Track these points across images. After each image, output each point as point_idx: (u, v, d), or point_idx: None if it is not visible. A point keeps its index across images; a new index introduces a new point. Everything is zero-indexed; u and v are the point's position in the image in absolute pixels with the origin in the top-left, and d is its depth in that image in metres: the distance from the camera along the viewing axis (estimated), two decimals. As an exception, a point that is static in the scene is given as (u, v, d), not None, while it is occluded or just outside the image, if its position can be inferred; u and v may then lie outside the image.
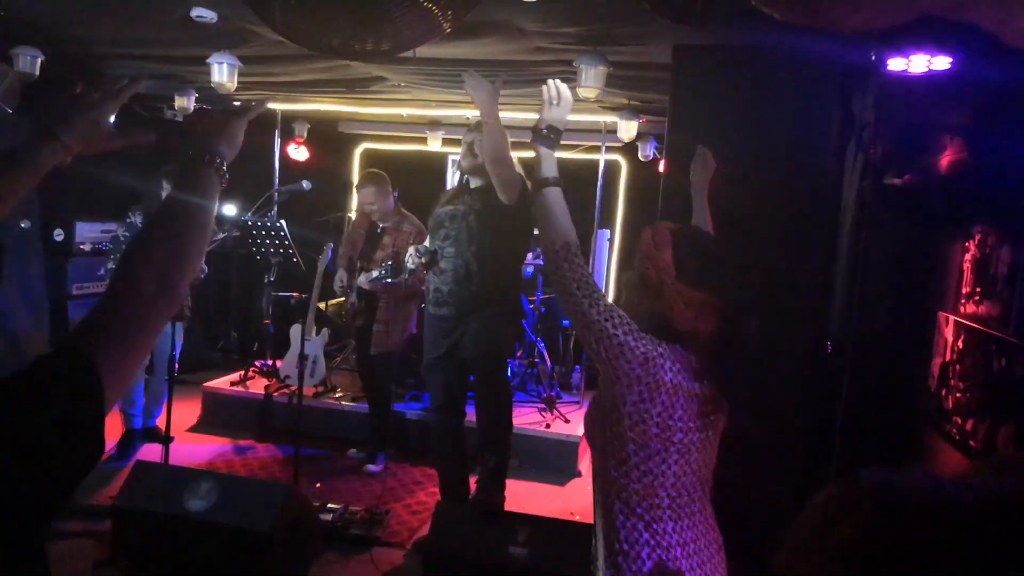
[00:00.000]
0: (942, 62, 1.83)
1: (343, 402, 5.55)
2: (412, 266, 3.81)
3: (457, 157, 8.52)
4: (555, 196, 1.78)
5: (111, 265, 4.70)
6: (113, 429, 4.82)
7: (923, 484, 0.42)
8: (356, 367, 5.11)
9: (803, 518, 0.44)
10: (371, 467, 4.84)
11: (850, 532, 0.41)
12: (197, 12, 3.30)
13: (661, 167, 4.45)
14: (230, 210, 5.48)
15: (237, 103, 4.55)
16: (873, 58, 1.97)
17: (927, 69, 1.91)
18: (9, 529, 0.78)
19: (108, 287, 1.01)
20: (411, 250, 3.83)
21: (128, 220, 4.64)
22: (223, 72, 4.16)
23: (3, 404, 0.80)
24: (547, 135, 1.87)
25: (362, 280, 4.56)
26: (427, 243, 3.88)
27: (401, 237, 4.71)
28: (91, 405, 0.86)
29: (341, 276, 4.75)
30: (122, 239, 4.60)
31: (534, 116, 6.29)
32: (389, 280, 4.15)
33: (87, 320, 0.95)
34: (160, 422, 4.73)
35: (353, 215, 6.96)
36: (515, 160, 3.52)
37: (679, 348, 1.67)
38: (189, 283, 1.05)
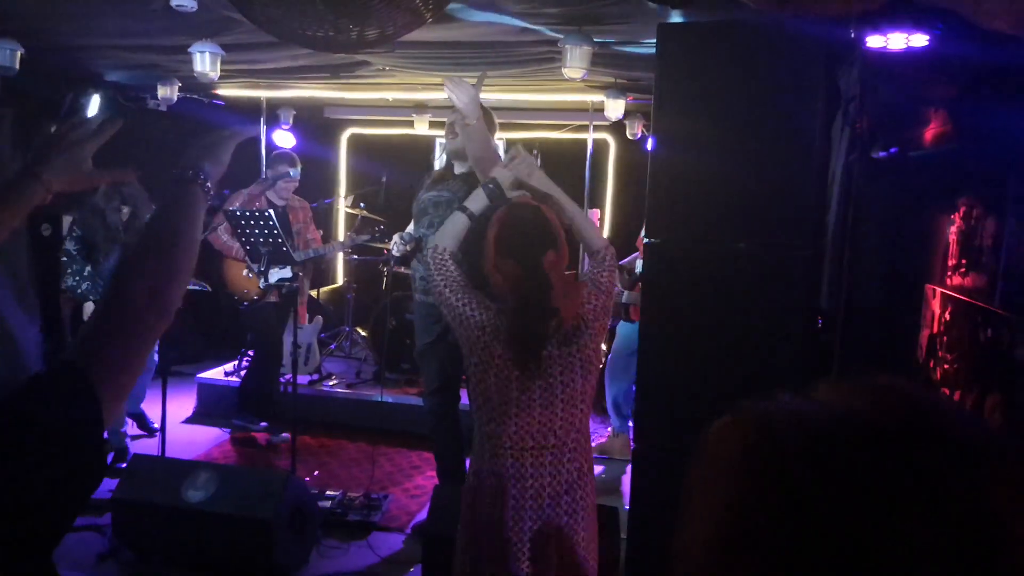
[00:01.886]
0: (920, 40, 1.84)
1: (338, 389, 5.57)
2: (397, 253, 3.82)
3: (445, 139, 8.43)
4: (460, 221, 2.24)
5: (71, 282, 4.48)
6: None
7: (791, 407, 0.50)
8: (268, 345, 5.20)
9: (701, 443, 0.53)
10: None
11: (733, 451, 0.50)
12: (177, 1, 3.26)
13: (649, 145, 4.45)
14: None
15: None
16: (853, 35, 1.98)
17: (906, 47, 1.92)
18: (15, 553, 0.79)
19: (101, 304, 1.02)
20: (396, 237, 3.84)
21: (74, 234, 4.55)
22: (205, 61, 4.12)
23: (3, 427, 0.81)
24: (490, 186, 2.30)
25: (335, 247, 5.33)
26: (411, 229, 3.87)
27: (300, 214, 5.19)
28: (90, 425, 0.87)
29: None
30: (73, 252, 4.53)
31: (520, 97, 6.23)
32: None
33: (81, 338, 0.96)
34: (154, 416, 4.73)
35: (343, 201, 6.94)
36: (500, 150, 3.51)
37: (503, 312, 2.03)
38: (180, 296, 1.05)
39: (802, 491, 0.45)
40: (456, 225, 2.25)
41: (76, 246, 4.52)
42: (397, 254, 3.86)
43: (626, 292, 4.63)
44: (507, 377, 2.01)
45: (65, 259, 4.52)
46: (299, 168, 5.12)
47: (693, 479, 0.52)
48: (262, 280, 4.62)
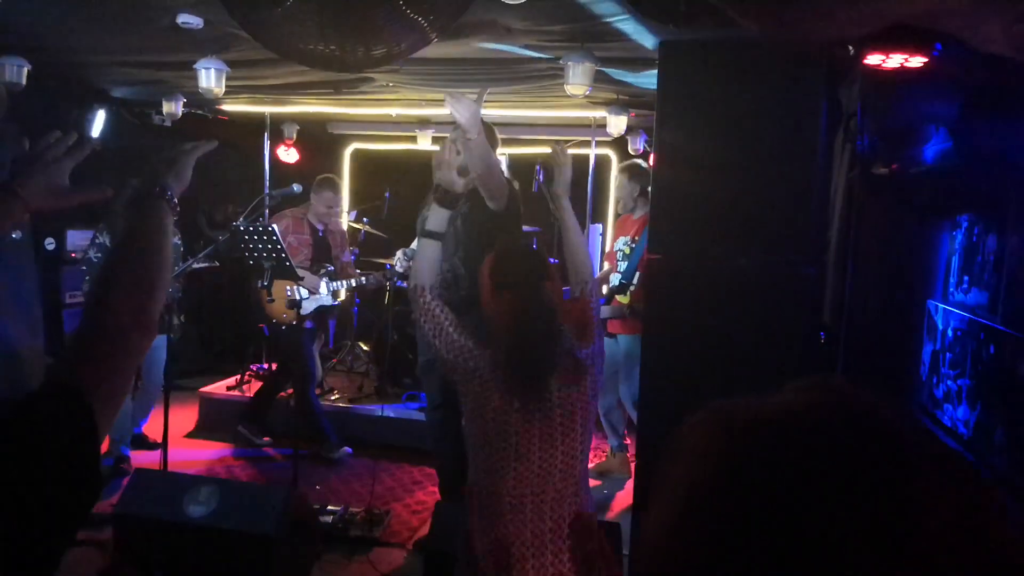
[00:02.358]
0: (918, 61, 1.86)
1: (339, 403, 5.56)
2: (400, 269, 3.84)
3: (447, 155, 8.30)
4: (429, 248, 2.18)
5: (88, 289, 4.49)
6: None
7: (751, 404, 0.56)
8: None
9: (673, 437, 0.59)
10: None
11: (697, 441, 0.56)
12: (183, 19, 3.29)
13: (651, 160, 4.47)
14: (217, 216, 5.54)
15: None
16: (852, 52, 2.00)
17: (903, 67, 1.93)
18: (16, 573, 0.79)
19: (84, 319, 1.01)
20: (399, 253, 3.85)
21: (97, 240, 4.53)
22: (211, 77, 4.16)
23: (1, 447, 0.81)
24: (440, 196, 2.23)
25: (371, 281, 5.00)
26: (414, 246, 3.88)
27: (337, 238, 5.16)
28: (87, 440, 0.87)
29: (316, 284, 4.88)
30: (95, 260, 4.52)
31: (523, 112, 6.24)
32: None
33: (69, 353, 0.97)
34: (156, 430, 4.72)
35: (346, 217, 6.95)
36: (502, 164, 3.52)
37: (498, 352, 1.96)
38: (160, 310, 1.06)
39: (748, 474, 0.51)
40: (426, 254, 2.18)
41: (99, 254, 4.51)
42: (400, 270, 3.87)
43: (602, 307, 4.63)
44: (505, 422, 1.94)
45: (85, 267, 4.52)
46: (336, 194, 5.07)
47: (663, 467, 0.58)
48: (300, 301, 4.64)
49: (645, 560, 0.56)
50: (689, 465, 0.55)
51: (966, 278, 2.50)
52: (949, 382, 2.58)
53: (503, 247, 2.13)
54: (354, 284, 5.05)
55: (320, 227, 5.07)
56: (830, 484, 0.48)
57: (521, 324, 1.95)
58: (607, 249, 4.87)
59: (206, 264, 4.86)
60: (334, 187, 5.08)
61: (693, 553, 0.51)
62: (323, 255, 5.03)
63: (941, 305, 2.70)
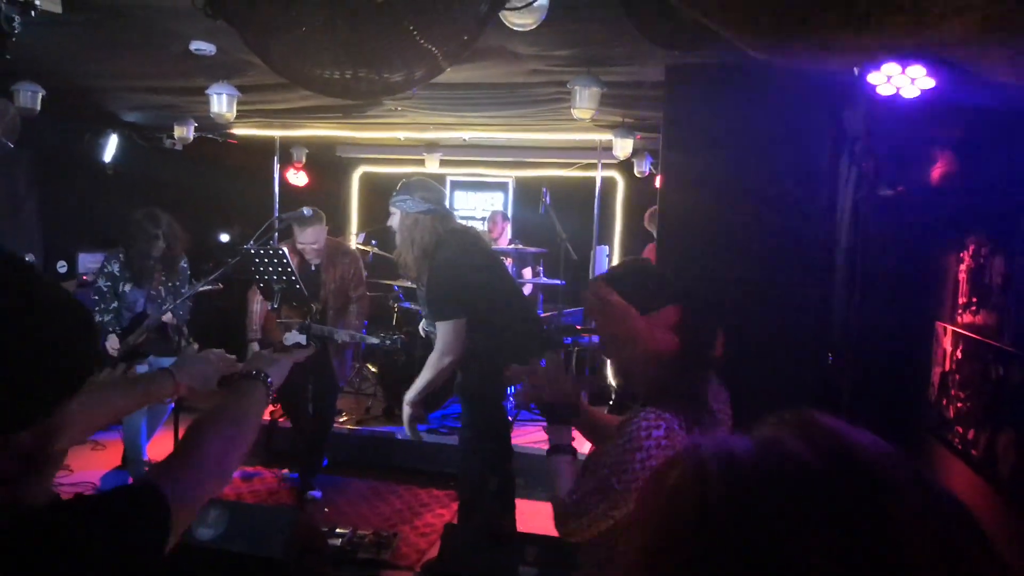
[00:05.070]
0: (926, 82, 1.88)
1: (347, 426, 5.57)
2: (424, 336, 3.82)
3: (456, 177, 8.46)
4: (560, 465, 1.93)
5: (96, 318, 4.37)
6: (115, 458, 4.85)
7: (723, 443, 0.57)
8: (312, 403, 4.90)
9: (651, 475, 0.61)
10: (314, 493, 4.77)
11: (673, 482, 0.56)
12: (196, 45, 3.35)
13: (657, 183, 4.50)
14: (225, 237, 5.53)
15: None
16: (857, 73, 2.02)
17: (910, 90, 1.95)
18: None
19: (184, 442, 1.18)
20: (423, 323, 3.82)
21: (105, 270, 4.51)
22: (222, 102, 4.22)
23: (81, 523, 0.91)
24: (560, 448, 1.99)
25: (341, 335, 4.58)
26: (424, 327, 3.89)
27: (338, 270, 4.63)
28: (160, 533, 0.99)
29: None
30: (104, 289, 4.49)
31: (530, 136, 6.25)
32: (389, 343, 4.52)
33: (167, 462, 1.13)
34: (164, 452, 4.71)
35: (354, 239, 6.99)
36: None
37: (675, 404, 1.62)
38: (236, 469, 1.25)
39: (719, 522, 0.51)
40: (567, 473, 1.92)
41: (107, 283, 4.54)
42: (423, 336, 3.86)
43: None
44: None
45: (96, 296, 4.53)
46: (301, 227, 4.49)
47: (639, 501, 0.59)
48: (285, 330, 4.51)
49: None
50: (663, 505, 0.56)
51: (973, 300, 2.51)
52: (958, 403, 2.57)
53: (623, 268, 1.87)
54: (336, 337, 4.52)
55: (314, 262, 4.62)
56: (811, 524, 0.48)
57: (696, 337, 1.69)
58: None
59: (210, 287, 4.79)
60: (300, 221, 4.46)
61: None
62: (311, 291, 4.53)
63: (949, 327, 2.70)
